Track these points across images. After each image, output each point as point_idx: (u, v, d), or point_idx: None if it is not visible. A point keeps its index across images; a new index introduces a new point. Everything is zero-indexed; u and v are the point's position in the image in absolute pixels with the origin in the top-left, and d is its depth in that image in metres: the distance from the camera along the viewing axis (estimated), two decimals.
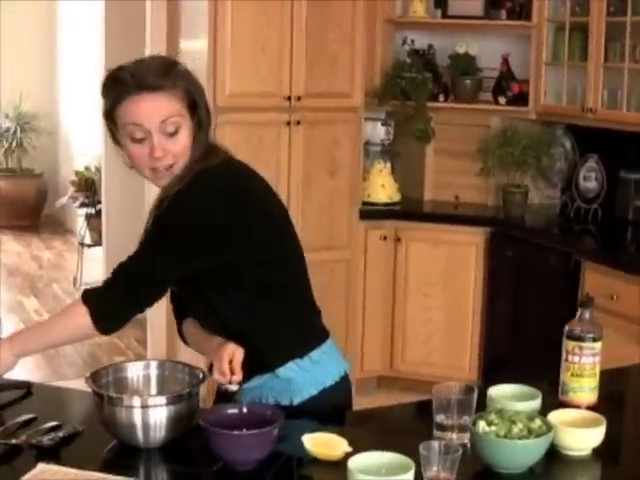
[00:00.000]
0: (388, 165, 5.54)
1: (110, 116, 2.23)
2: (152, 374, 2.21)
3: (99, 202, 7.27)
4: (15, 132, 9.78)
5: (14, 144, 9.79)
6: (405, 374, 5.40)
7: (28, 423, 2.14)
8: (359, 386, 5.43)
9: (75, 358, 5.99)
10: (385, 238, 5.36)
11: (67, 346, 6.15)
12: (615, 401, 2.55)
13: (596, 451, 2.07)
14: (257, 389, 2.31)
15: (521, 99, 5.31)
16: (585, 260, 4.50)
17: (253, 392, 2.31)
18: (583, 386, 2.25)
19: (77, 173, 7.81)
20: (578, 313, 2.26)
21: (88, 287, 2.25)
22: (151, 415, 2.00)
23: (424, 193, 5.73)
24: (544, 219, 5.43)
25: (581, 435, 2.04)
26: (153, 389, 2.20)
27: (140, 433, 2.01)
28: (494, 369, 5.17)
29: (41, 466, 1.94)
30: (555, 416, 2.10)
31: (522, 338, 4.96)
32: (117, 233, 6.71)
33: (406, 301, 5.39)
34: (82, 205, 7.61)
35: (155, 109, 2.16)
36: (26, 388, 2.39)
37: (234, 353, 2.19)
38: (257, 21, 4.75)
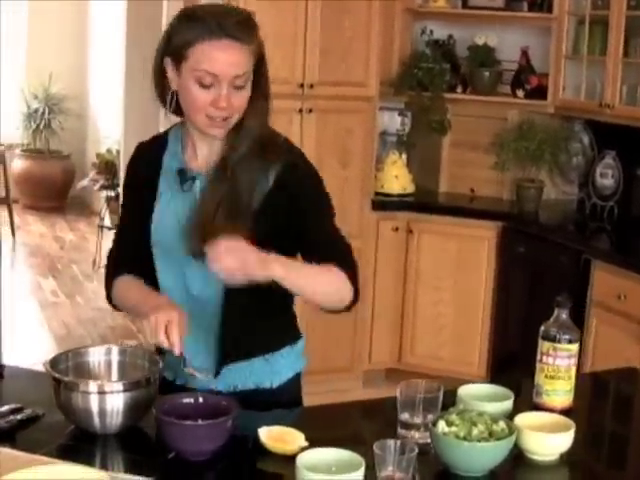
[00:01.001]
0: (403, 156, 5.48)
1: (177, 52, 2.10)
2: (113, 360, 2.17)
3: (118, 185, 7.27)
4: (44, 113, 9.79)
5: (42, 125, 9.79)
6: (413, 367, 5.33)
7: None
8: (367, 378, 5.41)
9: (85, 339, 5.99)
10: (397, 229, 5.31)
11: (79, 327, 6.18)
12: (600, 404, 2.49)
13: (564, 457, 2.01)
14: (238, 372, 2.27)
15: (540, 93, 5.22)
16: (595, 259, 4.42)
17: (233, 375, 2.27)
18: (557, 389, 2.19)
19: (98, 155, 7.81)
20: (555, 313, 2.20)
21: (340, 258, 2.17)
22: (108, 401, 1.96)
23: (439, 185, 5.66)
24: (559, 215, 5.35)
25: (546, 440, 1.98)
26: (114, 375, 2.16)
27: (97, 419, 1.98)
28: (503, 365, 5.11)
29: None
30: (523, 419, 2.04)
31: (532, 334, 4.85)
32: None
33: (416, 294, 5.34)
34: (102, 188, 7.61)
35: (233, 62, 2.08)
36: None
37: (178, 316, 2.06)
38: (271, 8, 4.70)
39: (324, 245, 2.20)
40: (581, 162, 5.35)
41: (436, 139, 5.57)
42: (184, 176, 2.24)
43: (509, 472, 1.98)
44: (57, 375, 2.01)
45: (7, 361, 2.16)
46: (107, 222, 7.61)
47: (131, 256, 2.33)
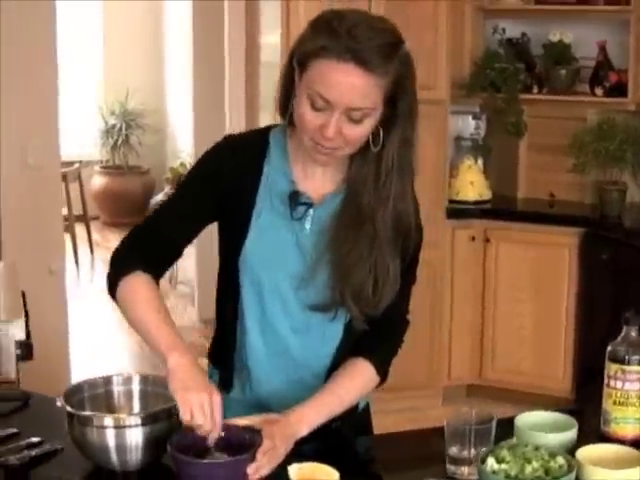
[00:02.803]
0: (479, 161, 5.27)
1: (301, 59, 1.86)
2: (134, 390, 2.01)
3: None
4: (121, 129, 9.80)
5: (120, 141, 9.81)
6: (494, 383, 5.14)
7: (9, 438, 1.99)
8: (447, 395, 5.21)
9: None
10: (473, 239, 5.10)
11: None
12: None
13: None
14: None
15: (619, 90, 4.97)
16: None
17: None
18: (627, 416, 1.96)
19: (171, 170, 7.74)
20: (623, 332, 1.97)
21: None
22: (126, 436, 1.80)
23: (517, 190, 5.44)
24: None
25: (612, 477, 1.75)
26: (135, 407, 1.99)
27: (114, 456, 1.82)
28: (589, 379, 4.84)
29: None
30: (587, 452, 1.81)
31: None
32: (208, 229, 6.61)
33: (496, 306, 5.12)
34: None
35: (352, 91, 1.81)
36: (23, 400, 2.24)
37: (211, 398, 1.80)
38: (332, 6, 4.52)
39: (386, 317, 2.04)
40: None
41: (512, 142, 5.36)
42: (296, 201, 2.01)
43: None
44: (70, 409, 1.86)
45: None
46: None
47: (164, 249, 2.04)
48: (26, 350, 2.83)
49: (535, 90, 5.24)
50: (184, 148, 8.43)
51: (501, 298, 5.10)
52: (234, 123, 5.52)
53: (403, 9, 4.68)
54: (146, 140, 9.88)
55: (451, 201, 5.14)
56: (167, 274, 6.73)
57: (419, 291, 4.71)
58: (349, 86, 1.80)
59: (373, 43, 1.79)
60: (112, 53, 9.93)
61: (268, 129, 2.08)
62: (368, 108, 1.84)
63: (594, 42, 5.08)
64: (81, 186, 8.65)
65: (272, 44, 4.84)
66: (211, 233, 2.17)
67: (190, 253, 7.30)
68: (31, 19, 4.60)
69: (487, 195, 5.25)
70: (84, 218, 8.65)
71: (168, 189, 7.77)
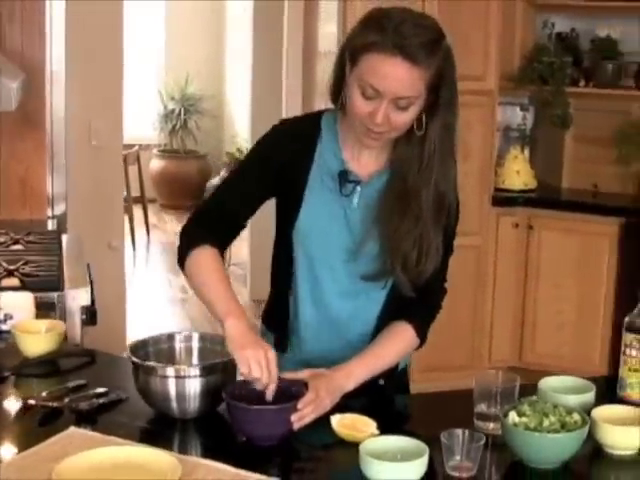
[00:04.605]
0: (526, 151, 5.41)
1: (352, 53, 2.04)
2: (194, 346, 2.21)
3: None
4: (180, 114, 10.01)
5: (178, 125, 10.01)
6: (534, 366, 5.24)
7: (78, 389, 2.18)
8: None
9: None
10: (517, 226, 5.24)
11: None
12: None
13: None
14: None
15: None
16: None
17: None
18: None
19: (227, 154, 7.93)
20: (639, 304, 2.14)
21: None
22: (185, 386, 2.00)
23: (562, 180, 5.56)
24: None
25: (624, 433, 1.92)
26: (194, 361, 2.19)
27: (174, 404, 2.01)
28: None
29: (72, 429, 1.96)
30: (601, 412, 1.98)
31: None
32: (262, 214, 6.79)
33: (537, 291, 5.25)
34: None
35: (399, 82, 1.99)
36: (90, 356, 2.44)
37: (267, 354, 2.00)
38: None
39: (427, 285, 2.21)
40: None
41: (558, 134, 5.48)
42: (346, 179, 2.21)
43: (585, 466, 1.94)
44: (136, 360, 2.06)
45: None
46: None
47: (227, 223, 2.24)
48: (90, 315, 3.04)
49: (582, 84, 5.35)
50: (241, 133, 8.59)
51: (542, 284, 5.23)
52: (290, 110, 5.67)
53: (457, 5, 4.85)
54: (204, 125, 10.07)
55: (497, 189, 5.27)
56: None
57: (463, 275, 4.98)
58: (397, 78, 1.99)
59: (418, 40, 1.98)
60: (173, 39, 10.12)
61: (321, 113, 2.28)
62: (413, 97, 2.02)
63: None
64: (140, 169, 8.86)
65: (329, 34, 5.01)
66: (264, 216, 2.38)
67: (243, 236, 7.49)
68: (97, 4, 4.80)
69: (532, 184, 5.38)
70: (142, 200, 8.86)
71: (224, 173, 7.96)
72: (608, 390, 2.20)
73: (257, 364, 1.95)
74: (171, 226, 9.39)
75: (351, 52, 2.05)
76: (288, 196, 2.24)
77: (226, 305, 2.08)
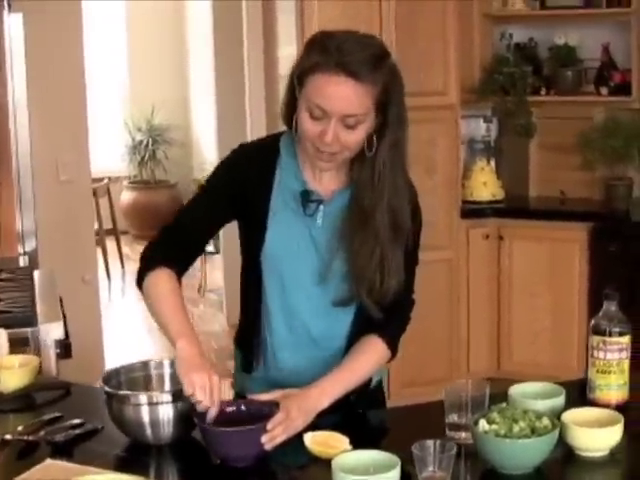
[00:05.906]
0: (492, 162, 5.46)
1: (299, 76, 2.07)
2: (166, 372, 2.22)
3: None
4: (147, 144, 10.00)
5: (147, 156, 10.00)
6: (513, 375, 5.24)
7: (54, 421, 2.19)
8: None
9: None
10: (487, 237, 5.27)
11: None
12: None
13: (614, 453, 1.97)
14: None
15: (624, 89, 5.13)
16: None
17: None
18: (610, 383, 2.15)
19: (194, 181, 7.94)
20: (604, 307, 2.17)
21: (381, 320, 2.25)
22: (159, 412, 2.01)
23: (529, 189, 5.61)
24: None
25: (594, 435, 1.94)
26: (166, 388, 2.20)
27: (149, 430, 2.02)
28: None
29: (48, 461, 1.97)
30: (571, 415, 2.00)
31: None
32: (234, 240, 6.80)
33: (511, 300, 5.29)
34: None
35: (345, 100, 2.01)
36: (64, 388, 2.45)
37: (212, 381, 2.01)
38: (344, 16, 4.68)
39: (394, 298, 2.22)
40: None
41: (523, 143, 5.54)
42: (308, 198, 2.22)
43: (557, 470, 1.95)
44: (108, 389, 2.07)
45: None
46: (210, 247, 7.72)
47: (186, 246, 2.27)
48: (65, 349, 3.05)
49: (543, 92, 5.41)
50: (209, 160, 8.60)
51: (516, 293, 5.27)
52: (255, 134, 5.68)
53: (413, 20, 4.88)
54: (172, 154, 10.06)
55: (465, 201, 5.30)
56: (196, 284, 6.98)
57: (437, 289, 5.01)
58: (342, 96, 2.02)
59: (361, 55, 2.01)
60: (137, 70, 10.12)
61: (279, 135, 2.31)
62: (360, 114, 2.05)
63: (598, 44, 5.24)
64: (110, 201, 8.83)
65: (288, 56, 5.02)
66: (237, 244, 2.39)
67: (217, 264, 7.52)
68: (59, 38, 4.80)
69: (500, 195, 5.42)
70: (114, 232, 8.84)
71: None
72: (582, 393, 2.21)
73: (201, 388, 1.97)
74: None
75: (298, 75, 2.08)
76: (251, 220, 2.26)
77: (178, 327, 2.11)
